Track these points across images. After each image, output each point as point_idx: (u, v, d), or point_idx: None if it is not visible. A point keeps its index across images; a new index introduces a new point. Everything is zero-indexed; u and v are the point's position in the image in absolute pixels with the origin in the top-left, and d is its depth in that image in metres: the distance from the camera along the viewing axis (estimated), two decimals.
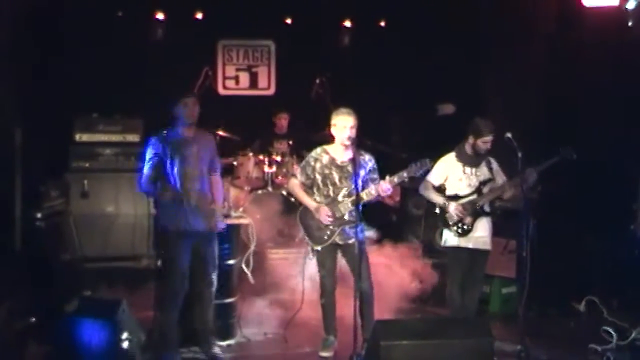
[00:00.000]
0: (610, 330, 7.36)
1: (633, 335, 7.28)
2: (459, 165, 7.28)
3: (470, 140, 7.20)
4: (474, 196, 7.25)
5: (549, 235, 8.19)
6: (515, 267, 8.12)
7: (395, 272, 8.10)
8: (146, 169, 6.60)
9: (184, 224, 6.58)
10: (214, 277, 6.81)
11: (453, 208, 7.18)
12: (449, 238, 7.25)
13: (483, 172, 7.29)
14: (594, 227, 8.78)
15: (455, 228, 7.21)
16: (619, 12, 7.70)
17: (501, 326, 7.41)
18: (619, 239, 8.58)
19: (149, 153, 6.61)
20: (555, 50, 8.96)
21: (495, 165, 7.35)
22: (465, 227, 7.20)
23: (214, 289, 6.84)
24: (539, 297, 7.95)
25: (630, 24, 7.75)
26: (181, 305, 6.65)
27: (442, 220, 7.29)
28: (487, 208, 7.29)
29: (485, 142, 7.16)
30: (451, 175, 7.29)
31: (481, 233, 7.25)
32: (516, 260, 8.05)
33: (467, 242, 7.22)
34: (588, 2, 7.51)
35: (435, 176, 7.28)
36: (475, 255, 7.25)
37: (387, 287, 7.82)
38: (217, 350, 6.89)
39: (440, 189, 7.30)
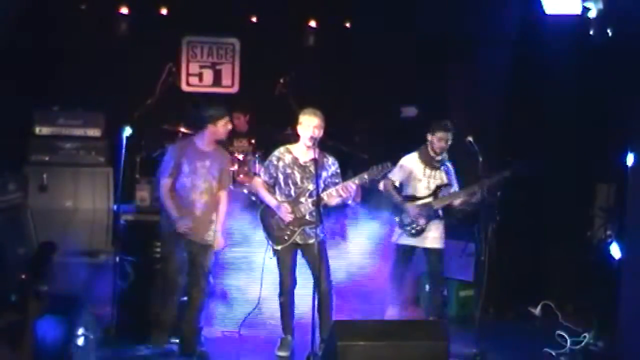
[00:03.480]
0: (565, 335, 7.46)
1: (586, 339, 7.38)
2: (421, 166, 7.35)
3: (428, 137, 7.30)
4: (430, 199, 7.32)
5: (507, 239, 8.27)
6: (473, 270, 8.20)
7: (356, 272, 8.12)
8: (165, 178, 6.83)
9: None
10: (205, 286, 6.93)
11: (410, 209, 7.26)
12: (400, 236, 7.33)
13: (441, 176, 7.37)
14: (552, 233, 8.90)
15: (408, 228, 7.29)
16: (581, 21, 7.79)
17: (458, 329, 7.45)
18: (576, 245, 8.70)
19: (167, 161, 6.85)
20: (517, 56, 9.03)
21: (452, 171, 7.45)
22: (418, 227, 7.28)
23: (204, 297, 6.97)
24: (496, 301, 8.04)
25: (591, 32, 7.84)
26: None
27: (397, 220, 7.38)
28: (440, 212, 7.37)
29: (440, 139, 7.26)
30: (411, 175, 7.35)
31: (434, 234, 7.36)
32: (474, 263, 8.14)
33: (419, 242, 7.32)
34: (550, 10, 7.57)
35: (397, 174, 7.33)
36: (428, 255, 7.36)
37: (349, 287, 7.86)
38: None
39: (399, 189, 7.38)
